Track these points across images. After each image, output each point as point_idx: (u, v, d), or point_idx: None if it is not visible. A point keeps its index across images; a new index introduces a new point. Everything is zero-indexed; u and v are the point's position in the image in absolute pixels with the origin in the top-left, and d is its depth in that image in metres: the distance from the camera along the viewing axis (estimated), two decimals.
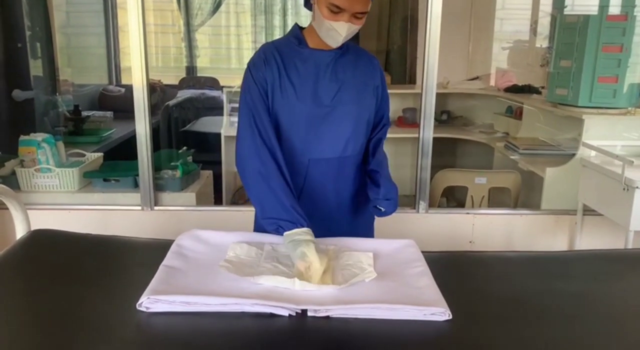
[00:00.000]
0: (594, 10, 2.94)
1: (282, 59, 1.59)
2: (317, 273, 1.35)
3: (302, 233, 1.45)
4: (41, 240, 1.67)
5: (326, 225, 1.61)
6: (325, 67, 1.60)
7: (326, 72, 1.59)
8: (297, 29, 1.63)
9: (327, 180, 1.65)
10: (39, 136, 2.94)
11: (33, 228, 1.77)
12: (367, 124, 1.67)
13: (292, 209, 1.49)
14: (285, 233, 1.47)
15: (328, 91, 1.59)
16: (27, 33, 3.63)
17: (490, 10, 4.76)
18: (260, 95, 1.57)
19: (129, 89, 2.76)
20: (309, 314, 1.21)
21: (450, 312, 1.22)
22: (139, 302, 1.22)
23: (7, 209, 1.84)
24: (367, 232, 1.79)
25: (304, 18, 5.05)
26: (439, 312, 1.22)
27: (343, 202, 1.70)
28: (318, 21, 1.53)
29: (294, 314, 1.21)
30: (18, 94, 3.50)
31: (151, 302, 1.22)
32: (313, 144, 1.61)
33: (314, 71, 1.59)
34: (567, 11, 3.16)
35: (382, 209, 1.58)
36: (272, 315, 1.21)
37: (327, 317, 1.21)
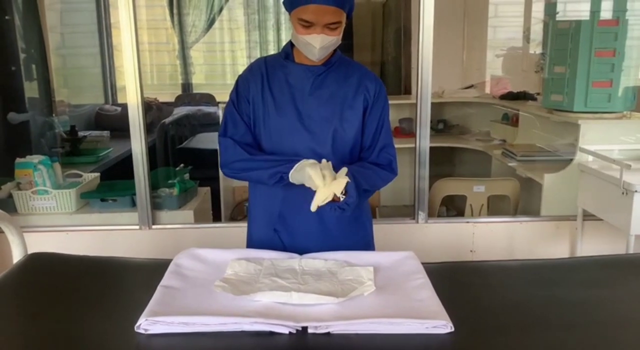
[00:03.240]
0: (585, 15, 2.95)
1: (267, 73, 1.63)
2: (331, 181, 1.42)
3: (300, 164, 1.49)
4: (38, 263, 1.65)
5: (310, 241, 1.63)
6: (306, 82, 1.61)
7: (308, 86, 1.61)
8: (289, 44, 1.64)
9: (308, 195, 1.61)
10: (35, 158, 2.93)
11: (31, 251, 1.76)
12: (351, 141, 1.64)
13: (278, 159, 1.55)
14: (289, 174, 1.51)
15: (308, 106, 1.60)
16: (22, 55, 3.64)
17: (483, 19, 4.78)
18: (240, 105, 1.64)
19: (126, 107, 2.75)
20: (310, 331, 1.19)
21: (452, 325, 1.20)
22: (137, 324, 1.21)
23: (3, 232, 1.83)
24: (366, 247, 1.76)
25: None
26: (441, 324, 1.20)
27: (329, 223, 1.67)
28: (294, 37, 1.57)
29: (294, 331, 1.19)
30: (13, 116, 3.50)
31: (149, 323, 1.21)
32: (290, 157, 1.59)
33: (296, 85, 1.61)
34: (559, 17, 3.17)
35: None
36: (272, 333, 1.19)
37: (328, 334, 1.19)
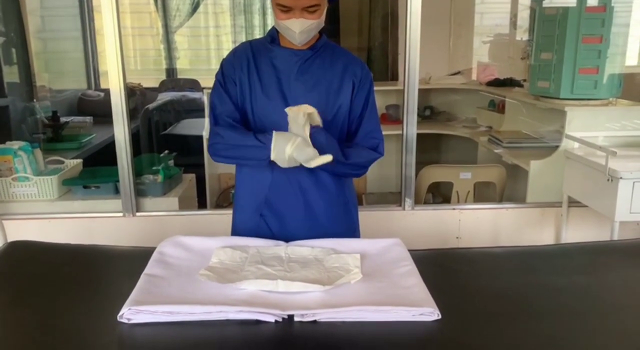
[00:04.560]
0: (572, 2, 2.94)
1: (253, 57, 1.61)
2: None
3: (274, 141, 1.47)
4: (18, 252, 1.62)
5: (297, 226, 1.62)
6: (292, 67, 1.59)
7: (294, 71, 1.59)
8: (275, 28, 1.61)
9: (295, 181, 1.63)
10: (15, 144, 2.87)
11: (13, 239, 1.72)
12: (338, 128, 1.63)
13: (253, 138, 1.51)
14: (272, 157, 1.48)
15: (294, 91, 1.59)
16: (0, 39, 3.56)
17: (470, 5, 4.77)
18: (227, 85, 1.61)
19: (109, 93, 2.70)
20: (296, 319, 1.18)
21: (439, 312, 1.20)
22: (120, 313, 1.18)
23: None
24: (352, 233, 1.76)
25: None
26: (428, 312, 1.19)
27: (316, 208, 1.66)
28: (276, 23, 1.55)
29: (280, 319, 1.18)
30: None
31: (132, 313, 1.18)
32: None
33: (282, 69, 1.60)
34: (546, 3, 3.16)
35: None
36: (258, 321, 1.18)
37: (314, 322, 1.18)
